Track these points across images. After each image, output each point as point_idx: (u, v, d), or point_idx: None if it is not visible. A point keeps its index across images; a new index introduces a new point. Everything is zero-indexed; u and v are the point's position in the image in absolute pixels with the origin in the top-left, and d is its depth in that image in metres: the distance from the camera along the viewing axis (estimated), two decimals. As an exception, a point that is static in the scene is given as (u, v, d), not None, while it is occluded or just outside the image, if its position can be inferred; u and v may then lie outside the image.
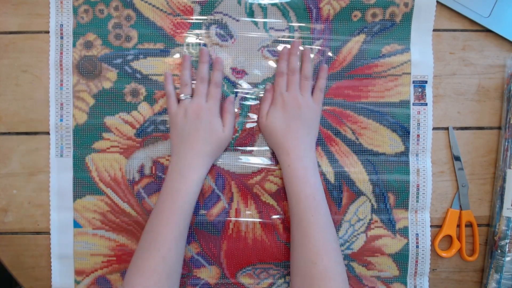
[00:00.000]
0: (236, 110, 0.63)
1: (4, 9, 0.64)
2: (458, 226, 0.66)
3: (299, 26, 0.64)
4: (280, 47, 0.64)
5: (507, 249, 0.63)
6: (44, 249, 0.65)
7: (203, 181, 0.59)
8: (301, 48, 0.64)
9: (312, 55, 0.64)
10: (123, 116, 0.63)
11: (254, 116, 0.64)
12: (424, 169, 0.64)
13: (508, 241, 0.63)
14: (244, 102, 0.63)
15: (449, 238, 0.66)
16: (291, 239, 0.59)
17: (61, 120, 0.63)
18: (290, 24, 0.64)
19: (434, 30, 0.64)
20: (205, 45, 0.63)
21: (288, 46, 0.63)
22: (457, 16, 0.65)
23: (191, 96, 0.61)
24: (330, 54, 0.64)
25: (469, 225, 0.66)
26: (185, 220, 0.57)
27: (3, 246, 0.65)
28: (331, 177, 0.64)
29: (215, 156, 0.61)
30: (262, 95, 0.64)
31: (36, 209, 0.64)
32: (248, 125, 0.63)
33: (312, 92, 0.63)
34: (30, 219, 0.65)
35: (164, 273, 0.54)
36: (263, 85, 0.64)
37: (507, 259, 0.63)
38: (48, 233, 0.64)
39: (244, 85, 0.64)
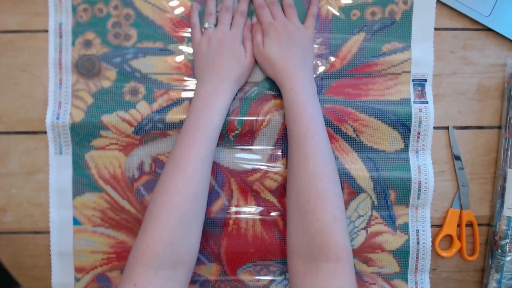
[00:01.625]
0: (236, 106, 0.63)
1: (3, 8, 0.64)
2: (459, 225, 0.66)
3: (299, 25, 0.64)
4: None
5: (507, 248, 0.63)
6: (44, 249, 0.64)
7: (228, 106, 0.60)
8: None
9: None
10: (121, 114, 0.63)
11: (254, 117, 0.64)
12: (425, 166, 0.64)
13: (508, 240, 0.63)
14: (244, 101, 0.63)
15: (449, 237, 0.66)
16: (288, 165, 0.59)
17: (58, 118, 0.63)
18: (290, 22, 0.64)
19: (434, 29, 0.64)
20: None
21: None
22: (457, 15, 0.65)
23: (215, 26, 0.62)
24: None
25: (470, 224, 0.66)
26: (210, 141, 0.57)
27: (2, 246, 0.65)
28: (331, 175, 0.63)
29: (239, 83, 0.62)
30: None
31: (35, 208, 0.64)
32: (248, 122, 0.63)
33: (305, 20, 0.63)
34: (29, 219, 0.64)
35: (189, 193, 0.54)
36: (263, 85, 0.63)
37: (508, 258, 0.63)
38: (48, 232, 0.64)
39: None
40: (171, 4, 0.63)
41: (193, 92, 0.63)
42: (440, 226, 0.66)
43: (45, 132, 0.63)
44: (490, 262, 0.65)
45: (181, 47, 0.63)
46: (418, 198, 0.64)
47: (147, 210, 0.54)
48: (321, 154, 0.56)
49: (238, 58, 0.61)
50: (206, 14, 0.63)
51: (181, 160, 0.55)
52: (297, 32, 0.61)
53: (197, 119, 0.57)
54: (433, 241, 0.65)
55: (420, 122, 0.64)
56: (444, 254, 0.66)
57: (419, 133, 0.64)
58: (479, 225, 0.66)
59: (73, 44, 0.63)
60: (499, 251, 0.64)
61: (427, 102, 0.64)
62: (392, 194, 0.64)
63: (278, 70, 0.60)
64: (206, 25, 0.62)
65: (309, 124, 0.57)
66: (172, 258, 0.52)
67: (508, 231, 0.63)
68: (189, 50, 0.64)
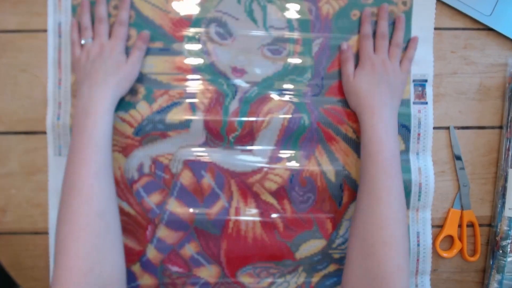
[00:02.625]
0: (236, 107, 0.63)
1: (3, 8, 0.63)
2: (459, 226, 0.66)
3: (299, 24, 0.63)
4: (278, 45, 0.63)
5: (508, 249, 0.63)
6: (43, 249, 0.64)
7: (111, 113, 0.56)
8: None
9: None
10: (121, 115, 0.62)
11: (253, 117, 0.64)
12: (426, 168, 0.64)
13: (509, 241, 0.63)
14: (243, 101, 0.63)
15: (450, 238, 0.66)
16: (357, 202, 0.57)
17: (58, 119, 0.63)
18: (290, 22, 0.63)
19: (435, 29, 0.64)
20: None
21: (371, 8, 0.63)
22: (458, 14, 0.65)
23: (93, 39, 0.61)
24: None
25: (471, 225, 0.66)
26: (101, 154, 0.53)
27: (1, 247, 0.65)
28: (331, 176, 0.63)
29: (119, 89, 0.59)
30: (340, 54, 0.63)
31: (35, 209, 0.64)
32: (248, 123, 0.63)
33: (400, 61, 0.63)
34: (28, 219, 0.64)
35: (92, 212, 0.50)
36: (263, 85, 0.63)
37: (509, 259, 0.63)
38: (47, 233, 0.64)
39: (243, 84, 0.63)
40: (171, 4, 0.63)
41: (193, 92, 0.63)
42: (441, 226, 0.66)
43: (44, 132, 0.63)
44: (491, 262, 0.65)
45: (180, 46, 0.63)
46: (419, 200, 0.64)
47: (55, 241, 0.50)
48: (393, 198, 0.54)
49: (117, 65, 0.59)
50: (82, 29, 0.61)
51: (73, 180, 0.52)
52: (392, 73, 0.60)
53: (79, 134, 0.54)
54: (434, 242, 0.65)
55: (419, 123, 0.64)
56: (445, 254, 0.65)
57: (419, 134, 0.64)
58: (480, 225, 0.66)
59: (72, 44, 0.63)
60: (500, 251, 0.64)
61: (426, 103, 0.64)
62: (392, 195, 0.64)
63: (362, 104, 0.59)
64: (83, 40, 0.60)
65: (385, 166, 0.55)
66: (97, 283, 0.49)
67: (509, 232, 0.63)
68: (190, 49, 0.63)
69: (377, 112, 0.58)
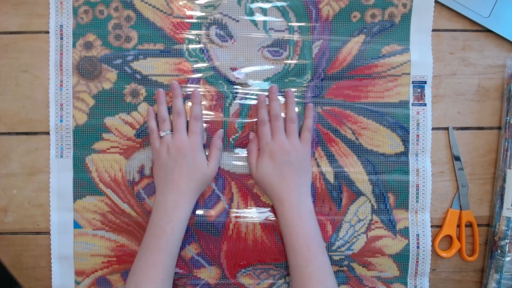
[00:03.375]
0: (237, 108, 0.63)
1: (4, 9, 0.64)
2: (458, 226, 0.66)
3: (299, 26, 0.64)
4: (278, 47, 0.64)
5: (507, 249, 0.63)
6: (44, 249, 0.65)
7: (188, 219, 0.59)
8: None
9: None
10: (123, 116, 0.63)
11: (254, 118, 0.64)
12: (424, 169, 0.64)
13: (508, 241, 0.63)
14: (243, 102, 0.63)
15: (449, 238, 0.66)
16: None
17: (61, 121, 0.63)
18: (290, 24, 0.64)
19: (434, 30, 0.64)
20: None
21: (264, 93, 0.63)
22: (457, 16, 0.65)
23: (171, 131, 0.61)
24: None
25: (469, 225, 0.66)
26: (172, 259, 0.57)
27: (3, 246, 0.65)
28: (330, 177, 0.64)
29: (199, 192, 0.61)
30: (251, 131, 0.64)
31: (36, 209, 0.64)
32: (248, 125, 0.63)
33: (299, 133, 0.62)
34: (30, 219, 0.65)
35: None
36: (263, 86, 0.63)
37: (507, 259, 0.63)
38: (48, 233, 0.64)
39: (243, 85, 0.64)
40: (172, 6, 0.63)
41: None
42: (440, 226, 0.66)
43: (46, 133, 0.63)
44: (489, 262, 0.65)
45: (181, 48, 0.63)
46: (417, 201, 0.64)
47: None
48: (317, 283, 0.55)
49: (200, 168, 0.60)
50: (160, 120, 0.62)
51: (141, 281, 0.54)
52: (293, 151, 0.60)
53: (157, 237, 0.56)
54: (432, 242, 0.65)
55: (418, 124, 0.64)
56: (443, 254, 0.66)
57: (418, 135, 0.64)
58: (478, 225, 0.66)
59: (73, 45, 0.63)
60: (499, 251, 0.64)
61: (425, 105, 0.64)
62: (391, 197, 0.64)
63: (270, 194, 0.60)
64: (162, 133, 0.61)
65: (302, 252, 0.56)
66: None
67: (508, 232, 0.63)
68: (190, 50, 0.64)
69: (285, 200, 0.58)
